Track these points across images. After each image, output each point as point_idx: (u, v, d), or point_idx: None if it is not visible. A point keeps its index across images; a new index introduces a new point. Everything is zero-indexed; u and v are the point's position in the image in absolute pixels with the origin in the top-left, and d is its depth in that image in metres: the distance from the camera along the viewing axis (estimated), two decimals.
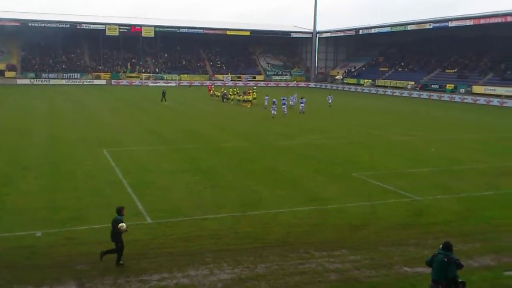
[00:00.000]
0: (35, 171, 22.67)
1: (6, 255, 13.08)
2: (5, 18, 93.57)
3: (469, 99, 72.13)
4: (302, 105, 49.84)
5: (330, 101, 58.25)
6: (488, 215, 17.55)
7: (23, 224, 15.37)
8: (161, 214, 16.67)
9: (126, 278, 11.81)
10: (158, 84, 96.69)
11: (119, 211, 12.77)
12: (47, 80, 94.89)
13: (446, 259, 9.74)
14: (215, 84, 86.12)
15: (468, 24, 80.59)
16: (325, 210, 17.71)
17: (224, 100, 62.06)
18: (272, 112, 44.75)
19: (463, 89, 76.60)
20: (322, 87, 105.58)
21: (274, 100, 47.59)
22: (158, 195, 19.13)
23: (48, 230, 14.87)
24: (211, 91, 68.65)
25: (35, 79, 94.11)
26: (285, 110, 46.83)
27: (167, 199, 18.64)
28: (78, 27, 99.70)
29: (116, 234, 12.46)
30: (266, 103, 52.87)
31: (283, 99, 48.36)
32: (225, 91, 65.01)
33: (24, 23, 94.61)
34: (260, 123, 41.51)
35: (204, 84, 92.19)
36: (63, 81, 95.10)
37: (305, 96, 53.91)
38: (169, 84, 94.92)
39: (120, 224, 12.35)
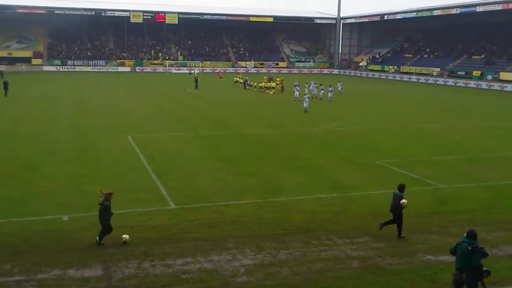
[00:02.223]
0: (61, 156, 23.08)
1: (34, 238, 13.40)
2: (32, 6, 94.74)
3: (496, 86, 70.74)
4: (330, 94, 48.84)
5: (340, 89, 56.03)
6: None
7: (50, 208, 15.71)
8: (184, 200, 16.86)
9: (151, 262, 12.00)
10: (181, 71, 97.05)
11: (401, 188, 13.86)
12: (72, 67, 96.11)
13: (470, 248, 9.64)
14: (239, 71, 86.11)
15: (496, 9, 78.84)
16: (348, 198, 17.68)
17: (247, 87, 62.00)
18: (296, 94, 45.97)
19: (490, 76, 75.13)
20: (346, 73, 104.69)
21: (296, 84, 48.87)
22: (182, 181, 19.32)
23: (74, 215, 15.18)
24: (237, 78, 68.68)
25: (61, 66, 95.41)
26: (297, 95, 46.91)
27: (191, 185, 18.80)
28: (103, 14, 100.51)
29: (396, 209, 13.55)
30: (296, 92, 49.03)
31: (295, 84, 49.50)
32: (247, 77, 65.01)
33: (50, 10, 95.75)
34: (283, 110, 41.42)
35: (227, 71, 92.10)
36: (89, 68, 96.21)
37: (331, 84, 53.31)
38: (192, 71, 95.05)
39: (402, 201, 13.41)
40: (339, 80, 61.95)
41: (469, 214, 16.07)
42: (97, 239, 13.06)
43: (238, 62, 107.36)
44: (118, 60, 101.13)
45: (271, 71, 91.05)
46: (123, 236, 13.18)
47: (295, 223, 14.78)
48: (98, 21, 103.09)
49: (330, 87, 49.56)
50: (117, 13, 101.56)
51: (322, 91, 50.70)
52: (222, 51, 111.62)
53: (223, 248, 12.89)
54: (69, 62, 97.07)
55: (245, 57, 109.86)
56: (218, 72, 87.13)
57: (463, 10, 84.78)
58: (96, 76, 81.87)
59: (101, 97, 50.05)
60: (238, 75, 70.39)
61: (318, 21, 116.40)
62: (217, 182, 19.22)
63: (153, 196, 17.25)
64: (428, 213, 16.18)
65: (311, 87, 52.43)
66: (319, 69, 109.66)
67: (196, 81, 60.85)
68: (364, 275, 11.62)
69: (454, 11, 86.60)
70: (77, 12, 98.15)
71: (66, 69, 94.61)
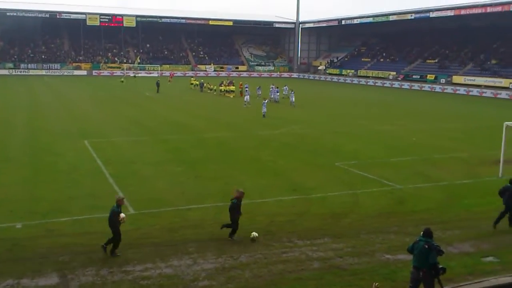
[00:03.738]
0: (15, 162, 22.40)
1: None
2: None
3: (449, 89, 72.84)
4: (292, 98, 47.94)
5: (285, 92, 54.10)
6: (468, 203, 17.84)
7: (2, 216, 15.20)
8: (144, 204, 16.62)
9: (109, 269, 11.76)
10: (140, 75, 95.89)
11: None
12: (26, 70, 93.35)
13: (427, 246, 9.90)
14: (198, 75, 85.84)
15: (449, 14, 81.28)
16: (308, 199, 17.82)
17: (203, 90, 62.28)
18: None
19: (444, 79, 77.30)
20: (305, 77, 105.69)
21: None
22: (141, 185, 19.05)
23: (29, 222, 14.73)
24: (193, 81, 68.69)
25: (13, 70, 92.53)
26: (247, 99, 46.07)
27: (151, 189, 18.56)
28: (58, 16, 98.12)
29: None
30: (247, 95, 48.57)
31: (246, 86, 51.63)
32: (203, 81, 65.38)
33: (2, 12, 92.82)
34: (243, 114, 41.45)
35: (187, 75, 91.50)
36: (43, 72, 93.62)
37: (280, 87, 53.71)
38: (151, 75, 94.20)
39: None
40: (285, 84, 60.81)
41: (426, 213, 16.46)
42: (230, 237, 13.62)
43: (198, 66, 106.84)
44: (74, 64, 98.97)
45: (230, 75, 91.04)
46: (252, 233, 13.51)
47: (257, 226, 14.77)
48: (53, 23, 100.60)
49: (292, 91, 49.38)
50: (72, 16, 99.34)
51: (278, 94, 51.25)
52: (181, 55, 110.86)
53: (184, 253, 12.77)
54: (23, 66, 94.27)
55: (204, 61, 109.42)
56: (171, 74, 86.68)
57: (418, 15, 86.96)
58: (51, 80, 79.88)
59: (56, 101, 48.87)
60: (193, 78, 70.33)
61: (277, 25, 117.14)
62: (177, 186, 19.05)
63: (112, 202, 16.86)
64: (386, 213, 16.49)
65: (269, 91, 52.69)
66: (279, 73, 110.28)
67: (158, 85, 60.37)
68: (325, 275, 11.72)
69: (409, 17, 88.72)
70: (30, 14, 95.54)
71: (19, 73, 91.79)
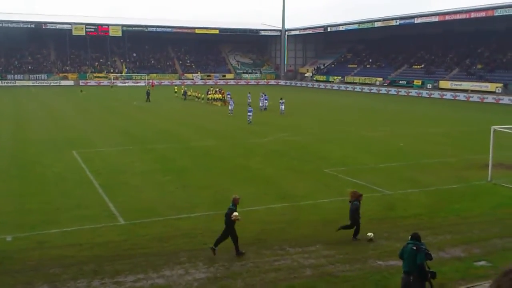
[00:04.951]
0: (3, 174, 22.18)
1: None
2: None
3: (436, 94, 73.47)
4: (282, 106, 47.07)
5: (265, 101, 51.91)
6: (457, 207, 17.96)
7: None
8: (134, 215, 16.53)
9: (101, 281, 11.67)
10: (127, 84, 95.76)
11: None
12: (12, 81, 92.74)
13: (414, 247, 10.04)
14: (186, 83, 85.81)
15: (433, 20, 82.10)
16: (299, 207, 17.83)
17: (186, 98, 62.80)
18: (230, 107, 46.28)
19: (430, 85, 77.97)
20: (292, 84, 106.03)
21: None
22: (131, 196, 18.95)
23: (18, 234, 14.58)
24: (176, 89, 69.16)
25: (0, 81, 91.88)
26: (231, 108, 45.96)
27: (140, 199, 18.47)
28: (43, 27, 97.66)
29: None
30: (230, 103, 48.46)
31: (228, 94, 53.44)
32: (186, 89, 65.81)
33: None
34: (231, 122, 41.45)
35: (174, 84, 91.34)
36: (30, 82, 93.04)
37: (268, 94, 53.56)
38: (138, 84, 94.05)
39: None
40: (263, 91, 58.72)
41: (416, 219, 16.54)
42: (353, 238, 14.22)
43: (185, 74, 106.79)
44: (60, 74, 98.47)
45: (218, 83, 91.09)
46: (368, 233, 14.02)
47: (247, 234, 14.74)
48: (38, 34, 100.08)
49: (282, 99, 48.08)
50: (58, 26, 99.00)
51: (266, 101, 50.93)
52: (168, 64, 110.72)
53: (175, 263, 12.71)
54: (9, 77, 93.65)
55: (191, 69, 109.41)
56: (152, 82, 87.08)
57: (403, 21, 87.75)
58: (37, 90, 79.33)
59: (44, 111, 48.52)
60: (176, 87, 70.76)
61: (263, 33, 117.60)
62: (167, 196, 18.97)
63: (101, 212, 16.83)
64: (377, 219, 16.55)
65: (259, 99, 52.49)
66: (266, 80, 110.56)
67: (148, 94, 60.30)
68: (317, 283, 11.73)
69: (394, 23, 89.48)
70: (16, 25, 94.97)
71: (5, 84, 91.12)
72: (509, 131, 20.79)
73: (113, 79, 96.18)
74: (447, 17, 79.20)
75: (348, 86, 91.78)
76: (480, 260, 13.05)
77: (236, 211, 13.20)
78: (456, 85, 73.72)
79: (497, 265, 12.66)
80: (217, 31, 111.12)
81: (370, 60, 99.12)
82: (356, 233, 14.41)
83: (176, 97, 65.69)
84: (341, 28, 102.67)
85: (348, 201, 14.79)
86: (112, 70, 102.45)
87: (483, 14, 73.07)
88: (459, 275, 12.06)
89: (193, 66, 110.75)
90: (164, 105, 56.36)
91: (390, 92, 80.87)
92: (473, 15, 74.42)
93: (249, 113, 39.93)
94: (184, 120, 42.82)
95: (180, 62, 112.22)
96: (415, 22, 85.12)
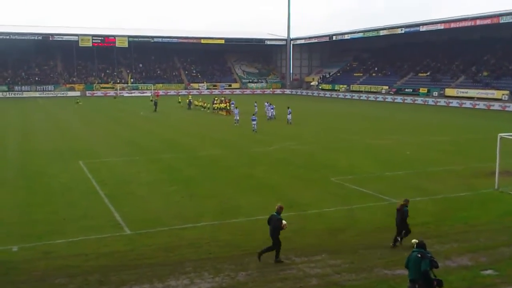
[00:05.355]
0: (10, 185, 22.27)
1: None
2: None
3: (442, 102, 73.28)
4: (289, 116, 46.50)
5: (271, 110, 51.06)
6: (464, 215, 17.84)
7: None
8: (139, 225, 16.53)
9: None
10: (133, 95, 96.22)
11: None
12: (20, 93, 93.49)
13: (419, 255, 10.00)
14: (191, 93, 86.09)
15: (439, 28, 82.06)
16: (305, 216, 17.77)
17: (190, 107, 63.74)
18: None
19: (436, 92, 77.80)
20: (298, 93, 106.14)
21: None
22: (136, 205, 18.96)
23: (24, 245, 14.61)
24: (179, 100, 70.23)
25: (7, 92, 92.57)
26: (237, 118, 45.59)
27: (146, 209, 18.48)
28: (50, 38, 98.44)
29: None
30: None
31: (232, 103, 54.52)
32: (190, 98, 66.54)
33: None
34: (236, 131, 41.49)
35: (179, 94, 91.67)
36: (37, 94, 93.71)
37: (274, 103, 53.46)
38: (144, 94, 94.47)
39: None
40: (267, 100, 58.27)
41: (422, 227, 16.42)
42: (392, 243, 14.28)
43: (191, 84, 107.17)
44: (67, 85, 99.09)
45: (223, 93, 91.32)
46: (413, 240, 13.43)
47: (253, 244, 14.69)
48: (45, 45, 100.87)
49: (289, 108, 47.55)
50: (65, 37, 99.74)
51: (273, 110, 50.77)
52: (174, 74, 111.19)
53: (180, 273, 12.68)
54: (16, 88, 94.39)
55: (197, 79, 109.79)
56: (157, 93, 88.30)
57: (408, 29, 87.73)
58: (44, 101, 79.82)
59: (50, 122, 48.79)
60: (180, 97, 71.42)
61: (268, 42, 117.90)
62: (172, 206, 18.98)
63: (107, 222, 16.84)
64: (383, 227, 16.44)
65: (265, 108, 52.51)
66: (271, 90, 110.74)
67: (155, 104, 60.68)
68: None
69: (399, 31, 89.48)
70: (23, 37, 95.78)
71: (13, 95, 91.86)
72: None
73: (119, 89, 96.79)
74: (453, 25, 79.12)
75: (354, 94, 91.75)
76: (487, 269, 12.92)
77: (284, 220, 13.38)
78: (462, 92, 73.52)
79: (504, 274, 12.56)
80: (222, 41, 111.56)
81: (376, 69, 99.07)
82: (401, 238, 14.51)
83: (181, 107, 65.91)
84: (346, 36, 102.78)
85: (397, 209, 14.78)
86: (118, 81, 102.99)
87: (488, 21, 72.96)
88: (466, 284, 11.95)
89: (199, 76, 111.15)
90: (170, 115, 56.52)
91: (396, 100, 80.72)
92: (478, 22, 74.33)
93: (253, 122, 40.15)
94: (190, 129, 42.90)
95: (186, 72, 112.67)
96: (421, 30, 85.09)
